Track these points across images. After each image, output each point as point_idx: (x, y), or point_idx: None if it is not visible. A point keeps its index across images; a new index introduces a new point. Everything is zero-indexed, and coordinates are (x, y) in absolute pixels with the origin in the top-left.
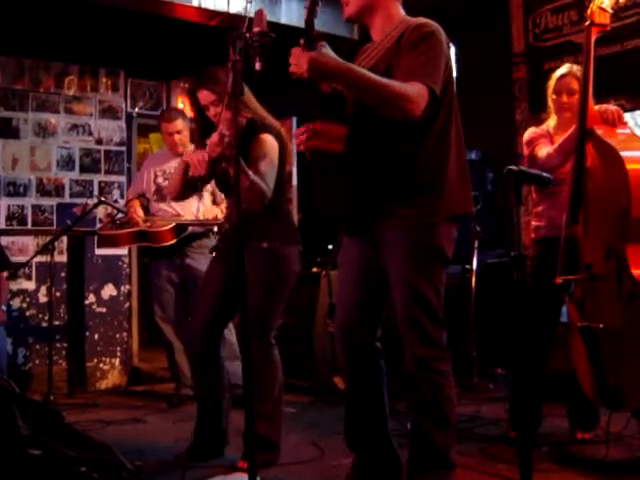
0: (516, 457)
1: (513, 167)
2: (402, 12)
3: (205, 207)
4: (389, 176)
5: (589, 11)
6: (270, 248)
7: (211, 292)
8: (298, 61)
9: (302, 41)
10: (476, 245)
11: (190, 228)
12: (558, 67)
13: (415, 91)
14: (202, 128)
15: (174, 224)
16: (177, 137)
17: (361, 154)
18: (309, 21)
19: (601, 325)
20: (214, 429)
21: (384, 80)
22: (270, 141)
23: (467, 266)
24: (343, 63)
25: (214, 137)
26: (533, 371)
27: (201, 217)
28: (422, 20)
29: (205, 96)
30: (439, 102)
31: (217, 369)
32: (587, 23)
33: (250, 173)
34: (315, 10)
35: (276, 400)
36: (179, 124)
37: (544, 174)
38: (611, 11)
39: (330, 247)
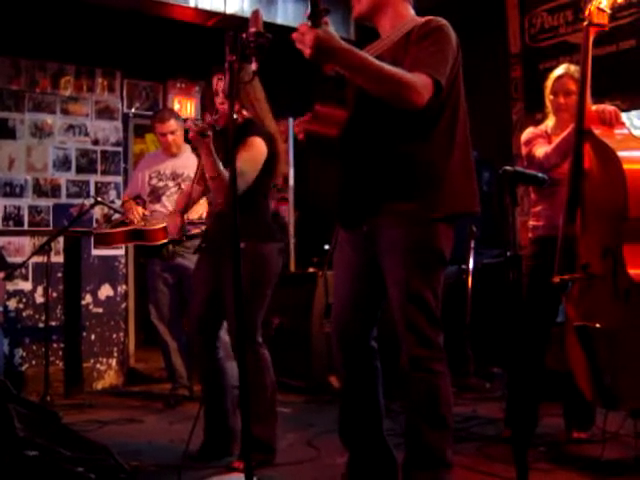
0: (512, 457)
1: (508, 167)
2: (412, 12)
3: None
4: (389, 169)
5: (587, 11)
6: (247, 247)
7: (200, 295)
8: (304, 38)
9: (308, 14)
10: (472, 245)
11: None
12: (554, 67)
13: (420, 81)
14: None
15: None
16: (170, 138)
17: (360, 145)
18: None
19: (598, 324)
20: (221, 428)
21: (388, 67)
22: (257, 144)
23: (463, 266)
24: (348, 45)
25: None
26: (529, 371)
27: (195, 217)
28: (431, 17)
29: (219, 81)
30: (446, 98)
31: (217, 369)
32: (585, 23)
33: (221, 168)
34: None
35: (269, 400)
36: (172, 125)
37: (539, 174)
38: (609, 11)
39: (326, 247)
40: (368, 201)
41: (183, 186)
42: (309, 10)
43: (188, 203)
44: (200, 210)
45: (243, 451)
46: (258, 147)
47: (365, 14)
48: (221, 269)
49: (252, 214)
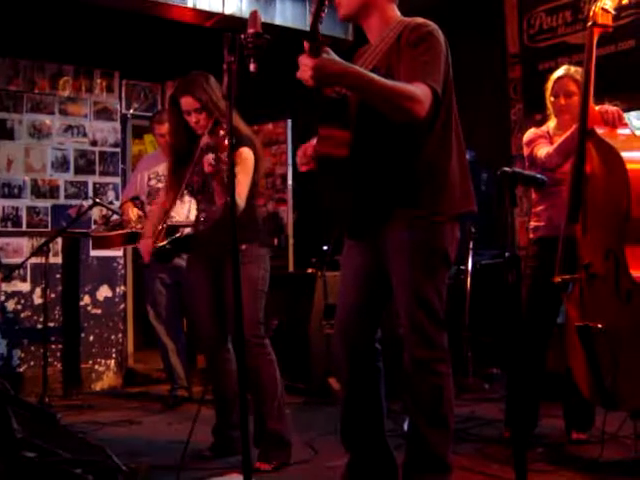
0: (511, 457)
1: (507, 168)
2: (398, 13)
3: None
4: (393, 178)
5: (591, 12)
6: (249, 249)
7: (205, 298)
8: (303, 68)
9: (307, 46)
10: (471, 246)
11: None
12: (553, 68)
13: (420, 92)
14: (179, 135)
15: (165, 226)
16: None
17: (365, 157)
18: (314, 27)
19: (599, 325)
20: (231, 427)
21: (390, 82)
22: (246, 154)
23: (462, 267)
24: (349, 66)
25: (209, 158)
26: (530, 371)
27: (193, 219)
28: (419, 20)
29: (189, 103)
30: (440, 102)
31: (231, 369)
32: (589, 24)
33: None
34: (320, 16)
35: (281, 394)
36: None
37: (538, 175)
38: (614, 12)
39: (325, 248)
40: (375, 210)
41: None
42: (308, 43)
43: (163, 219)
44: (183, 211)
45: (262, 449)
46: (247, 157)
47: (350, 16)
48: (222, 272)
49: (250, 219)
